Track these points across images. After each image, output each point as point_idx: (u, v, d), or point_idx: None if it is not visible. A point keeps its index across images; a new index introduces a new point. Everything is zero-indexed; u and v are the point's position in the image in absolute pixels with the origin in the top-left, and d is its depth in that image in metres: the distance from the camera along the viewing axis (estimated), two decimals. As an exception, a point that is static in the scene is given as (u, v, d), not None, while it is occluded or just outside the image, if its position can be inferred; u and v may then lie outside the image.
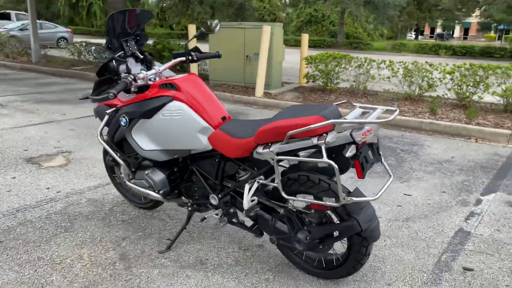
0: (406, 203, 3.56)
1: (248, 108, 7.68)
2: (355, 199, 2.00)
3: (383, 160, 2.23)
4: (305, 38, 9.93)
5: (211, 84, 9.40)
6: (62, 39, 20.85)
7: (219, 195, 2.55)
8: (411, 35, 51.53)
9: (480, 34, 51.94)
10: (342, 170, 2.22)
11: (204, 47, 12.93)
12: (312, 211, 2.29)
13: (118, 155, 2.79)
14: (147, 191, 2.70)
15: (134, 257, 2.67)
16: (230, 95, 8.35)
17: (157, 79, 2.65)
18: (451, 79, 7.35)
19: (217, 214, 2.63)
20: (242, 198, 2.49)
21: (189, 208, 2.76)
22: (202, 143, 2.46)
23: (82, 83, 10.15)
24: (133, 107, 2.54)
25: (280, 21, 31.23)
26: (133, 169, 2.84)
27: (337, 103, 2.32)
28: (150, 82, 2.59)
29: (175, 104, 2.46)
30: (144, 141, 2.59)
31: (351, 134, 1.95)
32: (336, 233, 2.23)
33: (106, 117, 2.67)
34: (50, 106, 7.27)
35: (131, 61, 2.72)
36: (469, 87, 7.20)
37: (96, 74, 2.61)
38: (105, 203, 3.45)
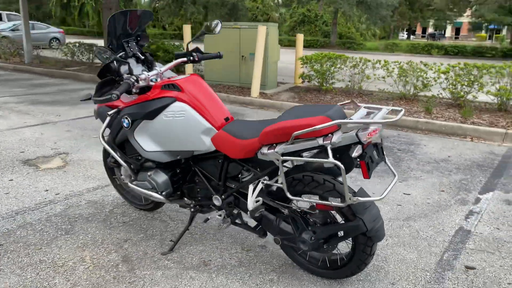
0: (406, 202, 3.58)
1: (244, 109, 7.68)
2: (361, 199, 2.01)
3: (386, 160, 2.24)
4: (300, 38, 9.94)
5: (206, 85, 9.38)
6: (55, 40, 20.71)
7: (223, 196, 2.55)
8: (403, 35, 51.82)
9: (471, 34, 52.31)
10: (346, 170, 2.23)
11: (200, 47, 12.84)
12: (317, 211, 2.29)
13: (120, 156, 2.77)
14: (150, 192, 2.69)
15: (137, 259, 2.65)
16: (225, 95, 8.34)
17: (159, 80, 2.64)
18: (446, 78, 7.40)
19: (220, 215, 2.62)
20: (246, 199, 2.49)
21: (192, 209, 2.75)
22: (205, 144, 2.46)
23: (76, 84, 10.09)
24: (135, 108, 2.53)
25: (273, 21, 31.28)
26: (135, 171, 2.82)
27: (341, 103, 2.33)
28: (151, 83, 2.58)
29: (177, 105, 2.45)
30: (146, 142, 2.58)
31: (357, 134, 1.96)
32: (341, 233, 2.24)
33: (108, 118, 2.65)
34: (45, 107, 7.21)
35: (132, 62, 2.71)
36: (464, 86, 7.26)
37: (97, 76, 2.59)
38: (105, 205, 3.43)
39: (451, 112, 6.94)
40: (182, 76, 2.58)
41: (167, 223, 3.14)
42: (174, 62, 2.75)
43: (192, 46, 2.93)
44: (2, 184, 3.79)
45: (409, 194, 3.75)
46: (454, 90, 7.39)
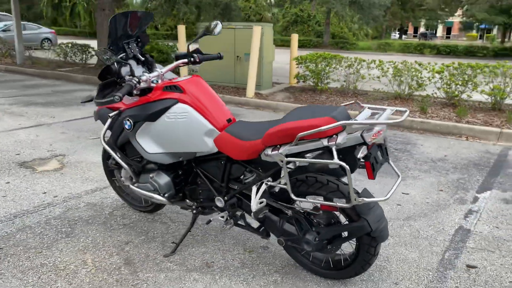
0: (405, 202, 3.59)
1: (239, 109, 7.67)
2: (366, 199, 2.01)
3: (390, 161, 2.25)
4: (294, 38, 9.95)
5: (201, 85, 9.35)
6: (46, 40, 20.52)
7: (225, 198, 2.54)
8: (395, 35, 52.10)
9: (462, 33, 52.78)
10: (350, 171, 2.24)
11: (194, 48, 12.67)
12: (321, 212, 2.29)
13: (122, 158, 2.76)
14: (152, 194, 2.67)
15: (139, 262, 2.64)
16: (221, 95, 8.32)
17: (160, 81, 2.62)
18: (440, 78, 7.45)
19: (222, 217, 2.62)
20: (249, 200, 2.49)
21: (194, 211, 2.74)
22: (208, 145, 2.45)
23: (69, 85, 10.01)
24: (137, 110, 2.52)
25: (266, 21, 31.28)
26: (136, 173, 2.80)
27: (344, 103, 2.33)
28: (152, 85, 2.57)
29: (180, 106, 2.44)
30: (148, 144, 2.57)
31: (361, 135, 1.96)
32: (345, 234, 2.24)
33: (109, 120, 2.63)
34: (39, 108, 7.15)
35: (132, 63, 2.69)
36: (458, 86, 7.31)
37: (98, 77, 2.57)
38: (104, 207, 3.40)
39: (446, 112, 6.99)
40: (184, 78, 2.57)
41: (168, 225, 3.13)
42: (175, 63, 2.74)
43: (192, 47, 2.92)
44: (-1, 187, 3.76)
45: (408, 194, 3.77)
46: (448, 90, 7.44)
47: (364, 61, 8.37)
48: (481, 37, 51.87)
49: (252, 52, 8.13)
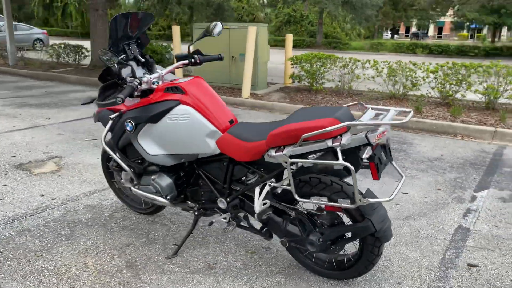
0: (404, 202, 3.61)
1: (235, 109, 7.66)
2: (371, 200, 2.01)
3: (393, 161, 2.26)
4: (289, 38, 9.96)
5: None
6: (38, 41, 20.37)
7: (228, 199, 2.53)
8: (387, 35, 52.36)
9: (453, 33, 53.19)
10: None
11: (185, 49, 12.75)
12: (324, 212, 2.30)
13: (123, 160, 2.74)
14: (154, 196, 2.66)
15: (141, 264, 2.62)
16: (216, 96, 8.30)
17: (160, 82, 2.61)
18: (435, 78, 7.50)
19: (225, 218, 2.61)
20: (251, 201, 2.49)
21: (196, 213, 2.73)
22: (210, 147, 2.44)
23: (63, 86, 9.94)
24: (139, 112, 2.50)
25: (259, 21, 31.30)
26: (137, 175, 2.79)
27: (347, 104, 2.34)
28: (153, 86, 2.56)
29: (181, 108, 2.43)
30: (150, 146, 2.55)
31: (366, 136, 1.97)
32: (348, 234, 2.25)
33: (110, 122, 2.62)
34: (33, 110, 7.09)
35: (133, 65, 2.68)
36: (452, 85, 7.37)
37: (98, 79, 2.56)
38: (103, 209, 3.38)
39: (441, 111, 7.04)
40: (185, 79, 2.56)
41: (168, 226, 3.12)
42: (176, 64, 2.73)
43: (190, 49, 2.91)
44: (-5, 189, 3.72)
45: (407, 193, 3.79)
46: (442, 89, 7.49)
47: (358, 61, 8.40)
48: (471, 36, 52.30)
49: (247, 52, 8.12)
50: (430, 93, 7.77)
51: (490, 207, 3.52)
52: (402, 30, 60.75)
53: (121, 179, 2.96)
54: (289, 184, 2.27)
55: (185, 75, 9.54)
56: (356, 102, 2.44)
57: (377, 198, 2.10)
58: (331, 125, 1.99)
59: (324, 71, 8.55)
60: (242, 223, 2.61)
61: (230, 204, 2.53)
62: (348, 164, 1.94)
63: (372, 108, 2.20)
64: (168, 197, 2.64)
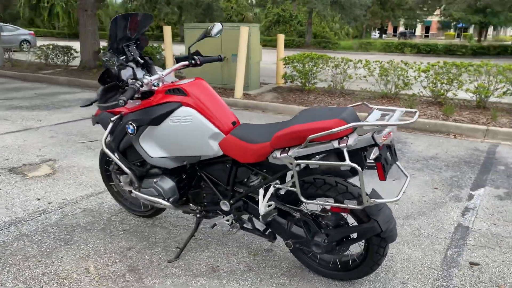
0: (403, 201, 3.63)
1: (229, 110, 7.61)
2: (377, 200, 2.01)
3: (397, 161, 2.26)
4: (281, 38, 9.97)
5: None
6: (25, 42, 20.10)
7: (231, 201, 2.52)
8: (375, 34, 52.73)
9: (440, 32, 53.80)
10: (356, 172, 2.24)
11: (178, 49, 12.65)
12: (329, 213, 2.29)
13: (124, 163, 2.71)
14: (156, 199, 2.63)
15: (143, 268, 2.59)
16: (209, 97, 8.26)
17: (161, 84, 2.58)
18: (426, 77, 7.56)
19: (227, 220, 2.60)
20: (255, 203, 2.47)
21: (198, 215, 2.71)
22: (213, 149, 2.42)
23: (52, 88, 9.81)
24: (140, 114, 2.47)
25: (248, 21, 31.27)
26: (138, 178, 2.75)
27: (352, 105, 2.33)
28: (154, 88, 2.53)
29: (184, 109, 2.41)
30: (152, 148, 2.52)
31: (373, 137, 1.97)
32: (354, 235, 2.25)
33: (111, 124, 2.58)
34: (23, 112, 6.98)
35: (133, 66, 2.64)
36: (444, 84, 7.43)
37: (98, 81, 2.52)
38: (102, 212, 3.34)
39: (433, 110, 7.09)
40: (186, 80, 2.54)
41: (168, 229, 3.09)
42: (176, 66, 2.71)
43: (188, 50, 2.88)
44: (-11, 194, 3.65)
45: (405, 193, 3.81)
46: (434, 88, 7.55)
47: (351, 61, 8.44)
48: (458, 35, 52.96)
49: (240, 53, 8.10)
50: (422, 92, 7.83)
51: (487, 205, 3.55)
52: (390, 30, 61.25)
53: (120, 182, 2.93)
54: (293, 186, 2.27)
55: (176, 76, 9.49)
56: (360, 103, 2.44)
57: (382, 198, 2.10)
58: (337, 126, 1.99)
59: (317, 71, 8.57)
60: (245, 225, 2.59)
61: (234, 206, 2.51)
62: (356, 165, 1.93)
63: (377, 109, 2.19)
64: (170, 200, 2.61)
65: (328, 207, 2.26)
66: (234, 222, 2.58)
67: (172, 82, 2.59)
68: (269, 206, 2.33)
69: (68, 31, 33.46)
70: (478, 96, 7.22)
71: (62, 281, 2.44)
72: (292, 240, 2.39)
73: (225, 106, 2.55)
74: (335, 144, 2.02)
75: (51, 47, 12.76)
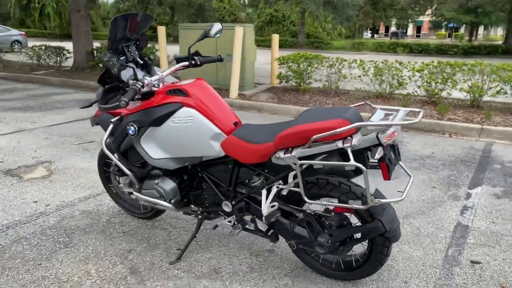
0: (402, 200, 3.63)
1: (224, 110, 7.60)
2: (382, 200, 2.01)
3: (401, 161, 2.26)
4: (275, 38, 9.98)
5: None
6: (16, 43, 19.90)
7: (233, 202, 2.51)
8: (367, 34, 52.95)
9: (431, 32, 54.17)
10: (358, 172, 2.25)
11: (171, 49, 12.56)
12: (332, 214, 2.29)
13: (125, 164, 2.68)
14: (157, 200, 2.61)
15: (145, 270, 2.57)
16: (204, 97, 8.23)
17: (161, 85, 2.57)
18: (421, 76, 7.60)
19: (229, 222, 2.58)
20: (257, 204, 2.46)
21: (199, 216, 2.69)
22: (215, 149, 2.41)
23: (45, 88, 9.72)
24: (141, 115, 2.45)
25: (240, 22, 31.24)
26: (139, 179, 2.73)
27: (355, 105, 2.33)
28: (154, 89, 2.51)
29: (185, 110, 2.39)
30: (153, 149, 2.50)
31: (377, 137, 1.97)
32: (358, 235, 2.25)
33: (111, 126, 2.56)
34: (17, 113, 6.91)
35: (134, 67, 2.62)
36: (438, 84, 7.47)
37: (97, 82, 2.49)
38: (100, 214, 3.31)
39: (427, 109, 7.13)
40: (187, 81, 2.52)
41: (169, 231, 3.07)
42: (176, 66, 2.69)
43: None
44: (-15, 197, 3.60)
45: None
46: (428, 88, 7.59)
47: (345, 60, 8.45)
48: (449, 35, 53.38)
49: (234, 53, 8.08)
50: (416, 91, 7.87)
51: (485, 204, 3.58)
52: (382, 30, 61.56)
53: (120, 183, 2.90)
54: (296, 186, 2.26)
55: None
56: (363, 103, 2.44)
57: (386, 198, 2.10)
58: (341, 126, 1.98)
59: (311, 71, 8.58)
60: (247, 226, 2.58)
61: (236, 207, 2.50)
62: (361, 165, 1.93)
63: (381, 109, 2.19)
64: (172, 201, 2.59)
65: (331, 207, 2.26)
66: (236, 223, 2.56)
67: (172, 83, 2.57)
68: (272, 207, 2.32)
69: (59, 31, 33.17)
70: (472, 95, 7.27)
71: (63, 284, 2.41)
72: (295, 241, 2.38)
73: (226, 106, 2.54)
74: (339, 144, 2.01)
75: (43, 47, 12.65)
